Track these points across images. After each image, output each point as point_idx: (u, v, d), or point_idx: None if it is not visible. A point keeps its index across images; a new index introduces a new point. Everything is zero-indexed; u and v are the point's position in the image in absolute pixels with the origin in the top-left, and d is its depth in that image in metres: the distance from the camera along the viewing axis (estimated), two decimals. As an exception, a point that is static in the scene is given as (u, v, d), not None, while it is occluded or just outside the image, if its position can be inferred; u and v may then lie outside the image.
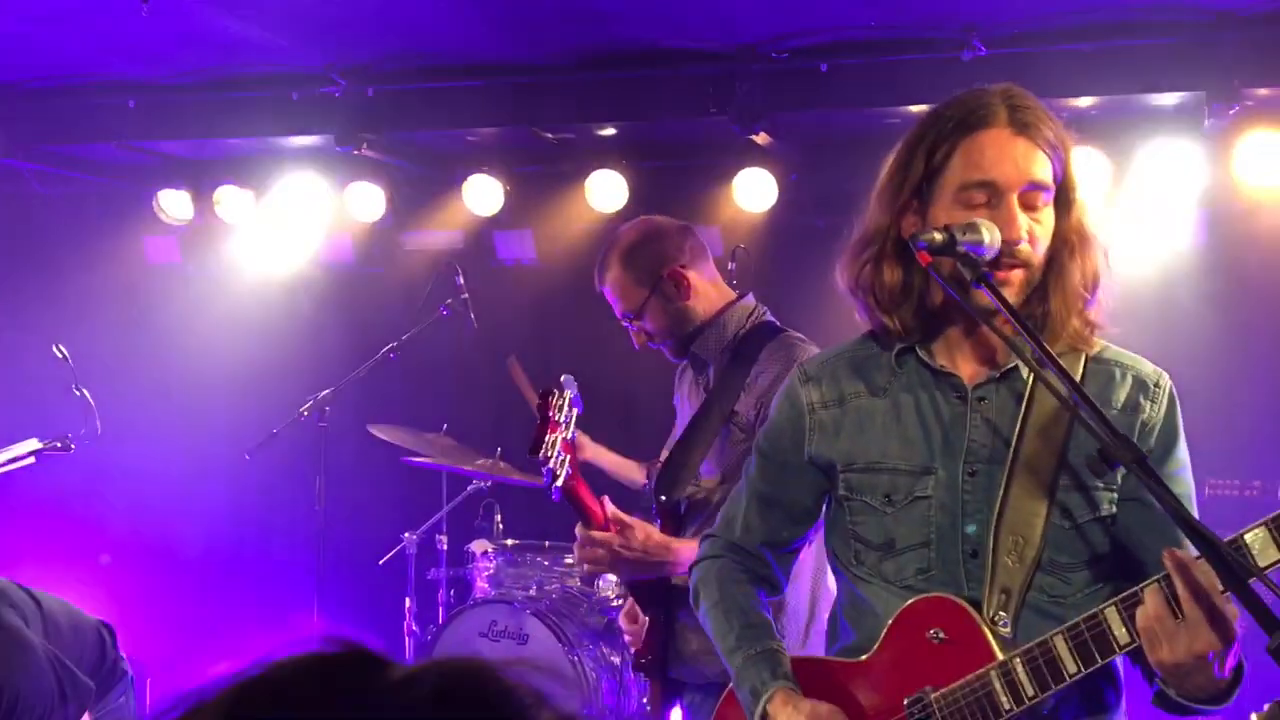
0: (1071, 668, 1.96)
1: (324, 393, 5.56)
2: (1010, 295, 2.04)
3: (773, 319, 3.22)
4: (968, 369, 2.16)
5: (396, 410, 5.99)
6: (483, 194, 6.55)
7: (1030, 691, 1.98)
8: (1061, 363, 2.04)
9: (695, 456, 3.14)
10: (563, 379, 2.98)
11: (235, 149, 6.79)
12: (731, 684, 2.28)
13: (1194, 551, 1.89)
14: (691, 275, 3.19)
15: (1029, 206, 2.08)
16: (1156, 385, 2.15)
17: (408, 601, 5.81)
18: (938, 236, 2.00)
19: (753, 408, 3.03)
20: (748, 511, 2.37)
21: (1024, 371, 2.11)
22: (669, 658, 3.14)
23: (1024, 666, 1.98)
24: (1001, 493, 2.08)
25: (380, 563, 5.95)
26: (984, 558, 2.07)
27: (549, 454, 2.83)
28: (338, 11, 5.26)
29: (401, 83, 5.96)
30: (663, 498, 3.18)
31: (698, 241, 3.27)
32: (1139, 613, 1.90)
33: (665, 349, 3.28)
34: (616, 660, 5.09)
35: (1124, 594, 1.94)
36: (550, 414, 2.85)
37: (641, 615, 3.20)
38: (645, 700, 5.06)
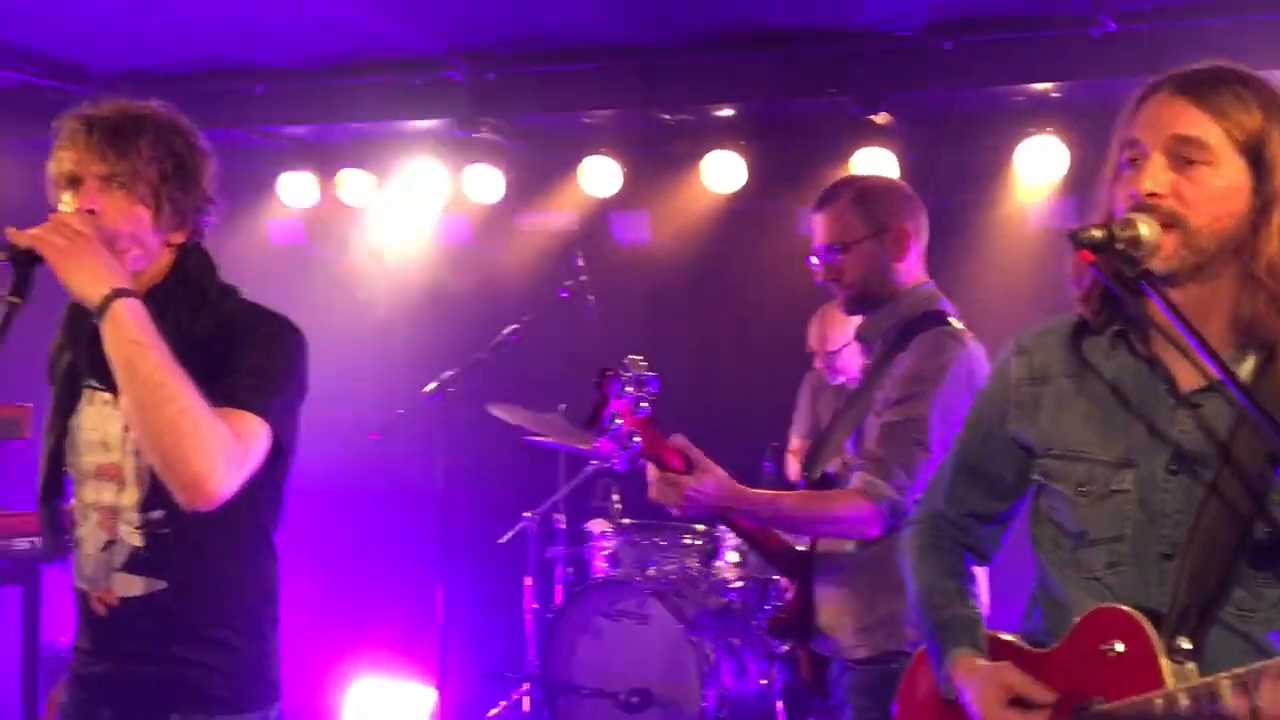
0: None
1: (447, 373, 5.62)
2: (1161, 262, 1.93)
3: (944, 306, 3.15)
4: (1184, 369, 2.01)
5: (514, 391, 6.04)
6: (600, 175, 6.59)
7: None
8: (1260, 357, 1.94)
9: (839, 437, 3.18)
10: (625, 360, 2.99)
11: (357, 133, 6.91)
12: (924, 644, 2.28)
13: None
14: (912, 241, 3.17)
15: (1181, 164, 1.95)
16: None
17: (528, 580, 5.88)
18: (1097, 234, 1.91)
19: (890, 396, 3.01)
20: (952, 481, 2.32)
21: (1246, 375, 1.97)
22: (809, 627, 3.18)
23: (1188, 701, 1.89)
24: (1203, 498, 1.98)
25: (501, 541, 6.03)
26: (1176, 564, 1.99)
27: (608, 427, 2.93)
28: (460, -3, 5.33)
29: (521, 66, 6.01)
30: (806, 474, 3.23)
31: (925, 218, 3.25)
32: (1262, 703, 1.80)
33: (843, 295, 3.19)
34: (736, 641, 5.09)
35: None
36: (607, 390, 2.92)
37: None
38: (764, 680, 5.10)
